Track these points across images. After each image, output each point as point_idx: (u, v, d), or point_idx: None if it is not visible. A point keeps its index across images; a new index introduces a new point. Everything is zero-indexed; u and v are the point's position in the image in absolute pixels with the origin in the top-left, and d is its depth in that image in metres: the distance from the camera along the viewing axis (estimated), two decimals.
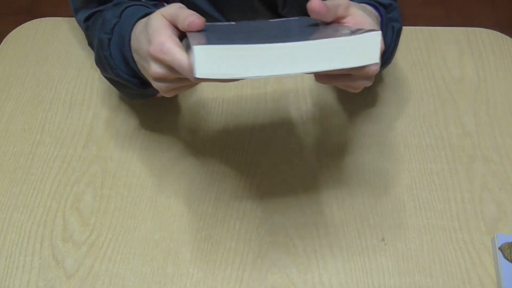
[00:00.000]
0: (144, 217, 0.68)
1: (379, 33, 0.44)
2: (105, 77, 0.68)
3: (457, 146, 0.74)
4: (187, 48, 0.47)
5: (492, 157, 0.73)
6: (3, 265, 0.64)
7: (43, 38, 0.88)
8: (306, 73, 0.46)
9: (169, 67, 0.49)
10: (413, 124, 0.77)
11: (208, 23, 0.55)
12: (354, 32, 0.45)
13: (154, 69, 0.50)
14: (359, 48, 0.43)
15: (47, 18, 0.91)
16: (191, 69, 0.43)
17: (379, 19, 0.61)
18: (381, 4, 0.65)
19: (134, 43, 0.56)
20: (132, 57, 0.57)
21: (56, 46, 0.87)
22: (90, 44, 0.75)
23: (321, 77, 0.50)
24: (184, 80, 0.50)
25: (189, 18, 0.48)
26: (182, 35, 0.52)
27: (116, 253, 0.65)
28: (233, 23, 0.58)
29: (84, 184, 0.71)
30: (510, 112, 0.78)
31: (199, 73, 0.42)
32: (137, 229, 0.67)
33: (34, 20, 0.91)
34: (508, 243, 0.64)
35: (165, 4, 0.76)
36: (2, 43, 0.88)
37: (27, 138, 0.75)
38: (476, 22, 1.88)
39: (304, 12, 0.81)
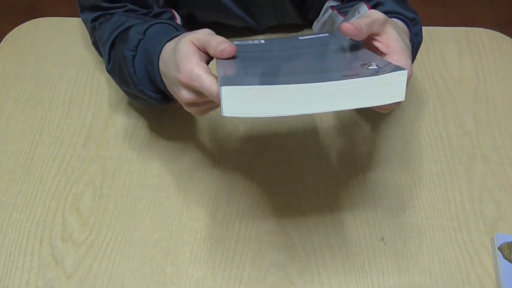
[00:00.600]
0: (144, 216, 0.68)
1: (405, 72, 0.44)
2: (124, 90, 0.68)
3: (456, 146, 0.74)
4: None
5: (491, 156, 0.73)
6: (2, 265, 0.64)
7: (43, 38, 0.88)
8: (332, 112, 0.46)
9: (199, 92, 0.50)
10: (413, 123, 0.77)
11: (237, 42, 0.55)
12: (381, 68, 0.45)
13: (184, 95, 0.52)
14: (385, 87, 0.44)
15: (46, 17, 0.91)
16: (219, 94, 0.43)
17: (409, 36, 0.61)
18: (406, 17, 0.65)
19: (162, 66, 0.57)
20: (160, 78, 0.58)
21: (56, 45, 0.87)
22: (95, 44, 0.75)
23: None
24: (213, 102, 0.51)
25: (221, 45, 0.49)
26: (209, 60, 0.53)
27: (116, 252, 0.65)
28: (262, 41, 0.59)
29: (83, 183, 0.71)
30: (509, 112, 0.78)
31: (226, 112, 0.43)
32: (137, 229, 0.67)
33: (34, 20, 0.91)
34: (507, 243, 0.64)
35: (174, 11, 0.76)
36: (1, 43, 0.88)
37: (27, 137, 0.75)
38: (475, 22, 1.88)
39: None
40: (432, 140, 0.75)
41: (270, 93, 0.42)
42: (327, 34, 0.61)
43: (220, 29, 0.74)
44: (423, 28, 0.88)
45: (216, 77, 0.48)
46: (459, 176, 0.71)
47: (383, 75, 0.43)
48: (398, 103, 0.49)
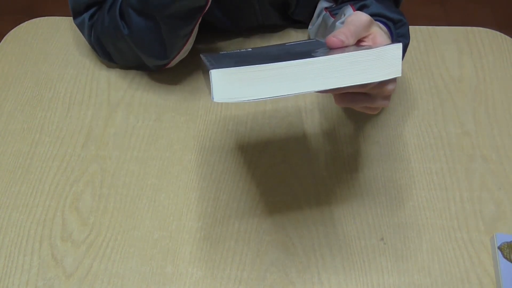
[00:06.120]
0: (143, 216, 0.68)
1: (400, 45, 0.42)
2: (125, 36, 0.70)
3: (456, 146, 0.74)
4: (205, 72, 0.46)
5: (491, 156, 0.73)
6: (2, 265, 0.64)
7: (42, 38, 0.88)
8: (327, 91, 0.43)
9: None
10: (412, 123, 0.77)
11: (223, 52, 0.54)
12: (373, 47, 0.44)
13: None
14: (380, 61, 0.42)
15: (46, 17, 0.91)
16: None
17: (391, 39, 0.61)
18: (391, 19, 0.65)
19: None
20: None
21: (55, 45, 0.87)
22: (95, 41, 0.75)
23: (341, 98, 0.49)
24: None
25: None
26: None
27: (115, 252, 0.65)
28: (249, 49, 0.58)
29: (83, 183, 0.71)
30: (509, 112, 0.78)
31: (216, 97, 0.40)
32: (136, 229, 0.67)
33: (33, 20, 0.91)
34: (507, 242, 0.64)
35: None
36: (1, 43, 0.88)
37: (26, 137, 0.75)
38: (475, 21, 1.88)
39: (313, 12, 0.79)
40: (432, 140, 0.75)
41: (262, 74, 0.40)
42: (314, 40, 0.60)
43: (201, 31, 0.74)
44: (423, 28, 0.89)
45: None
46: (458, 176, 0.71)
47: (377, 48, 0.41)
48: (388, 100, 0.47)
